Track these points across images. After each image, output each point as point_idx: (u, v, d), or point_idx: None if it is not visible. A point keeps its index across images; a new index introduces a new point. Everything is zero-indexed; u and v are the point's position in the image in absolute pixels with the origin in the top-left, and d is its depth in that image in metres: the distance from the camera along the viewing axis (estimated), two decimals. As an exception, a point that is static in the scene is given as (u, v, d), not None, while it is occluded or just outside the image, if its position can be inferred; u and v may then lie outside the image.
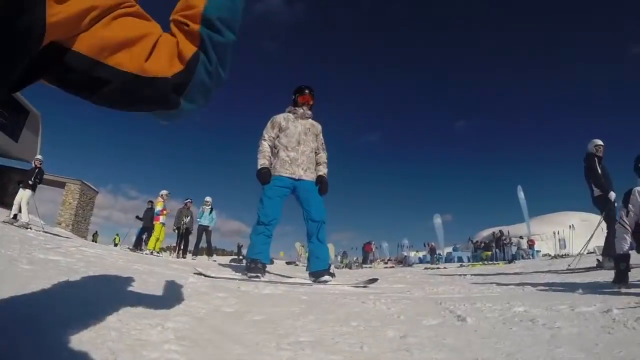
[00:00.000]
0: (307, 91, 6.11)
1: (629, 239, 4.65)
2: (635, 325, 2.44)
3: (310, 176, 5.85)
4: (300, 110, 6.00)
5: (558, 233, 30.78)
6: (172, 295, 2.90)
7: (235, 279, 4.85)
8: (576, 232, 31.53)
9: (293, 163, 5.76)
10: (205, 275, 4.85)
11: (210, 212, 16.72)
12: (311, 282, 5.38)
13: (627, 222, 4.64)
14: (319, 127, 6.18)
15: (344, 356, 1.87)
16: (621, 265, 4.71)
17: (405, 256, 34.86)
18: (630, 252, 4.76)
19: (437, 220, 35.81)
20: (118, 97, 0.95)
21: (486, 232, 40.08)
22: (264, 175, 5.68)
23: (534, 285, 5.22)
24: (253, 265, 5.48)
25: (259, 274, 5.31)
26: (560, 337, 2.23)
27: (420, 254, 37.56)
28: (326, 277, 5.40)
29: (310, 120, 6.09)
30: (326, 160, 6.05)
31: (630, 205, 4.60)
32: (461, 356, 1.90)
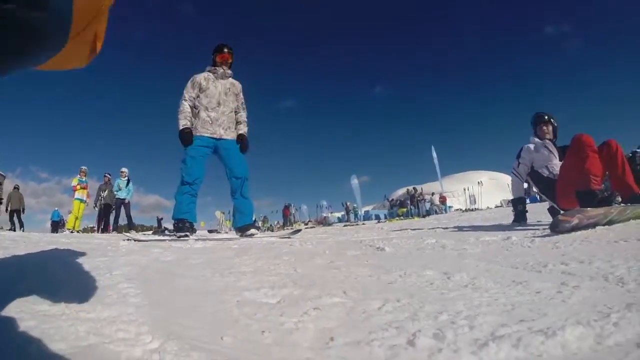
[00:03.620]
0: (225, 50, 6.01)
1: (522, 184, 5.55)
2: (529, 244, 2.88)
3: (231, 135, 5.87)
4: (220, 70, 5.92)
5: (468, 189, 32.55)
6: (109, 255, 2.90)
7: (165, 239, 4.87)
8: (485, 189, 33.66)
9: (214, 123, 5.73)
10: (135, 240, 4.84)
11: (127, 184, 15.62)
12: (238, 236, 5.51)
13: (519, 173, 5.44)
14: (239, 86, 6.11)
15: (281, 276, 2.08)
16: (519, 207, 5.56)
17: (325, 217, 35.50)
18: (525, 196, 5.68)
19: (354, 181, 36.57)
20: None
21: (401, 191, 41.61)
22: (186, 136, 5.63)
23: (445, 229, 5.67)
24: (181, 224, 5.46)
25: (188, 233, 5.34)
26: (466, 255, 2.61)
27: (339, 214, 38.39)
28: (252, 231, 5.56)
29: (230, 79, 6.02)
30: (246, 119, 6.06)
31: (520, 159, 5.37)
32: (381, 269, 2.18)
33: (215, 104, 5.78)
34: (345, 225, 18.84)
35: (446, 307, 1.30)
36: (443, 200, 32.70)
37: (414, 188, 33.33)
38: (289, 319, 1.29)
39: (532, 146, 5.30)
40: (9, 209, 18.65)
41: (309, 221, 36.08)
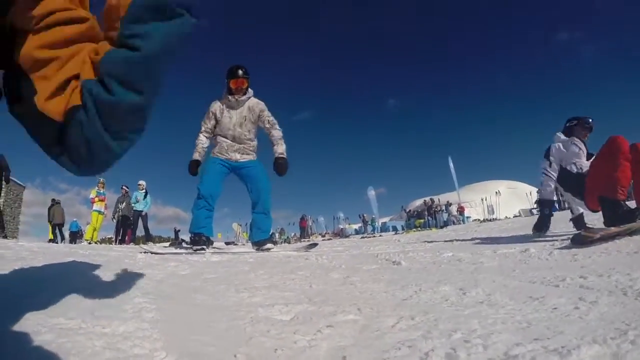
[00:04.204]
0: (240, 72, 5.62)
1: (553, 185, 5.02)
2: (548, 257, 2.85)
3: (247, 158, 5.79)
4: (232, 100, 5.63)
5: (486, 199, 32.26)
6: (125, 268, 2.90)
7: (182, 252, 4.89)
8: (502, 199, 33.36)
9: (229, 149, 5.71)
10: (152, 252, 4.86)
11: (145, 196, 15.70)
12: (254, 250, 5.49)
13: (551, 172, 4.97)
14: (259, 107, 5.73)
15: (296, 292, 2.10)
16: (545, 210, 5.11)
17: (342, 228, 35.37)
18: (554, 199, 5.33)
19: (371, 192, 36.42)
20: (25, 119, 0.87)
21: (418, 202, 41.44)
22: (191, 167, 5.76)
23: (462, 240, 5.63)
24: (197, 238, 5.44)
25: (204, 247, 5.32)
26: (482, 269, 2.59)
27: (356, 226, 38.24)
28: (269, 245, 5.52)
29: (247, 104, 5.70)
30: (281, 137, 5.70)
31: (551, 157, 4.96)
32: (396, 284, 2.18)
33: (231, 137, 5.72)
34: (362, 237, 18.75)
35: (460, 325, 1.29)
36: (461, 210, 32.40)
37: (430, 199, 33.18)
38: (303, 336, 1.29)
39: (560, 145, 4.99)
40: (52, 222, 18.93)
41: (325, 233, 35.98)
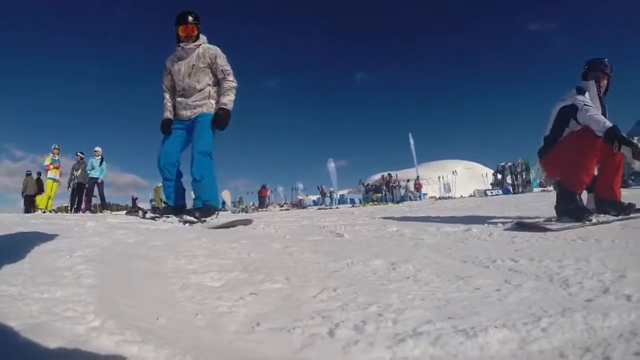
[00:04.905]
0: (190, 18, 5.09)
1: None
2: (487, 238, 2.90)
3: (198, 112, 5.11)
4: (180, 50, 5.12)
5: (443, 178, 32.89)
6: (74, 236, 2.87)
7: (133, 221, 4.78)
8: (459, 178, 34.06)
9: (180, 107, 5.18)
10: (145, 217, 4.94)
11: (101, 163, 15.15)
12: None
13: (591, 103, 3.88)
14: (210, 53, 5.08)
15: (233, 261, 2.10)
16: (624, 139, 3.59)
17: (300, 199, 35.51)
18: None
19: (331, 165, 36.55)
20: None
21: (377, 176, 41.79)
22: (162, 127, 5.29)
23: (414, 218, 5.66)
24: (159, 207, 5.42)
25: (158, 215, 5.05)
26: (421, 245, 2.62)
27: (314, 197, 38.43)
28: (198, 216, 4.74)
29: (196, 51, 5.09)
30: (231, 87, 5.01)
31: (587, 94, 3.96)
32: (332, 256, 2.19)
33: (181, 90, 5.19)
34: (319, 209, 18.91)
35: (379, 299, 1.30)
36: (419, 187, 32.92)
37: (389, 174, 33.58)
38: (225, 302, 1.31)
39: (587, 98, 3.94)
40: (25, 193, 18.27)
41: (284, 203, 36.05)
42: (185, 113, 5.13)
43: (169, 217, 4.82)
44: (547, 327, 1.02)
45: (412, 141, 33.69)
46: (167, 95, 5.38)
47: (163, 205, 5.53)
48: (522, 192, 25.43)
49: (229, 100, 4.96)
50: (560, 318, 1.08)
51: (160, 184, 28.52)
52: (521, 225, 3.35)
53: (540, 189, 27.13)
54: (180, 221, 4.49)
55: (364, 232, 3.40)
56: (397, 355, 0.90)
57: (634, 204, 3.84)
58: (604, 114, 3.99)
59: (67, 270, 1.63)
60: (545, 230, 3.21)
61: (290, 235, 3.27)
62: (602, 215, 3.78)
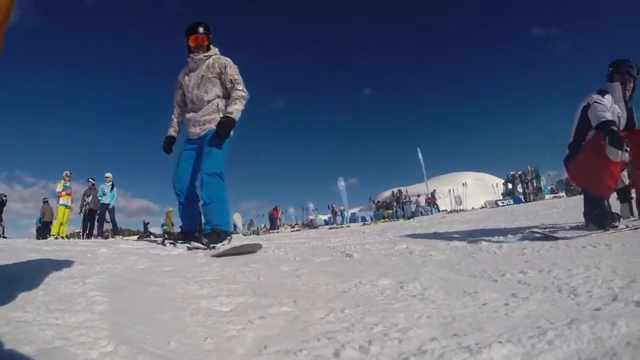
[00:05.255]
0: (200, 29, 4.91)
1: (609, 115, 3.75)
2: (496, 250, 2.89)
3: (208, 128, 4.73)
4: (191, 61, 4.90)
5: (453, 191, 32.78)
6: (87, 262, 2.91)
7: (145, 247, 4.79)
8: (470, 190, 33.96)
9: (190, 124, 4.85)
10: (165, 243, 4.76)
11: (112, 189, 15.42)
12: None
13: (605, 104, 3.83)
14: (220, 63, 4.78)
15: (242, 285, 2.12)
16: (612, 127, 3.59)
17: (311, 219, 35.45)
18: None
19: (341, 183, 36.56)
20: None
21: (387, 193, 41.74)
22: (164, 145, 5.14)
23: (424, 234, 5.64)
24: (179, 234, 4.93)
25: (172, 240, 4.82)
26: (430, 262, 2.62)
27: (325, 217, 38.38)
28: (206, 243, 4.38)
29: (206, 63, 4.83)
30: (239, 96, 4.63)
31: (606, 96, 3.93)
32: (341, 277, 2.20)
33: (190, 104, 4.91)
34: (330, 228, 18.90)
35: (385, 319, 1.32)
36: (430, 201, 32.83)
37: (399, 190, 33.58)
38: (234, 326, 1.34)
39: (611, 104, 3.92)
40: (43, 220, 18.47)
41: (295, 224, 35.99)
42: (195, 130, 4.78)
43: (178, 243, 4.62)
44: (552, 340, 1.02)
45: (420, 156, 33.66)
46: (175, 111, 5.19)
47: (179, 229, 5.08)
48: (534, 200, 25.25)
49: (235, 109, 4.53)
50: (566, 330, 1.09)
51: (171, 208, 28.58)
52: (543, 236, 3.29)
53: (552, 195, 26.97)
54: (189, 248, 4.22)
55: (373, 251, 3.42)
56: (402, 374, 0.91)
57: None
58: (630, 116, 4.02)
59: (80, 297, 1.67)
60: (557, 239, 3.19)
61: (299, 257, 3.29)
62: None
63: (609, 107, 3.84)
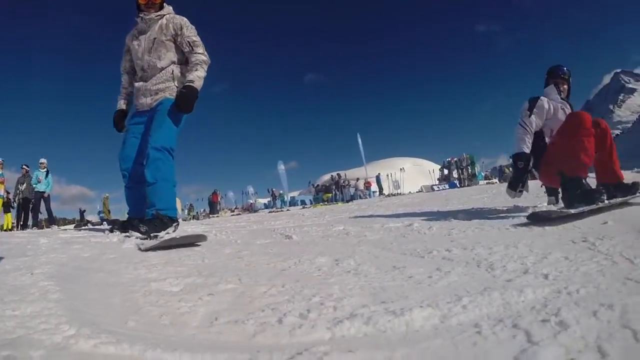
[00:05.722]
0: None
1: (528, 140, 4.30)
2: (426, 231, 3.10)
3: (160, 98, 4.07)
4: (140, 22, 4.19)
5: (391, 175, 33.57)
6: (29, 254, 2.85)
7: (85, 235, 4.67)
8: (407, 175, 34.87)
9: (141, 93, 4.13)
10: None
11: (46, 175, 14.61)
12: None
13: (529, 124, 4.32)
14: (174, 23, 4.11)
15: (188, 267, 2.21)
16: (519, 163, 4.28)
17: (251, 203, 35.31)
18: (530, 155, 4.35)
19: (281, 167, 36.54)
20: None
21: (326, 177, 42.17)
22: (114, 122, 4.40)
23: (361, 217, 5.85)
24: (128, 222, 4.13)
25: (117, 228, 4.19)
26: (364, 242, 2.80)
27: (265, 201, 38.34)
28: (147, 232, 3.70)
29: (158, 23, 4.14)
30: (200, 60, 3.98)
31: (535, 110, 4.34)
32: (282, 256, 2.33)
33: (140, 71, 4.20)
34: (270, 212, 18.97)
35: (322, 291, 1.46)
36: (368, 185, 33.46)
37: (337, 174, 34.09)
38: (185, 304, 1.43)
39: (550, 104, 4.37)
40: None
41: (235, 208, 35.78)
42: (145, 101, 4.09)
43: (117, 231, 4.02)
44: (467, 304, 1.18)
45: (360, 141, 34.18)
46: (124, 80, 4.47)
47: (127, 216, 4.47)
48: (468, 185, 26.24)
49: (197, 76, 3.90)
50: (479, 297, 1.25)
51: (108, 195, 27.73)
52: (536, 217, 3.19)
53: (485, 181, 28.11)
54: (126, 236, 3.61)
55: (311, 233, 3.56)
56: (336, 335, 1.05)
57: (639, 182, 3.92)
58: (572, 109, 4.36)
59: (32, 287, 1.68)
60: (565, 218, 3.16)
61: (241, 240, 3.40)
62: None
63: (533, 126, 4.26)
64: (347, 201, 23.76)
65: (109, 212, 25.27)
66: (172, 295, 1.57)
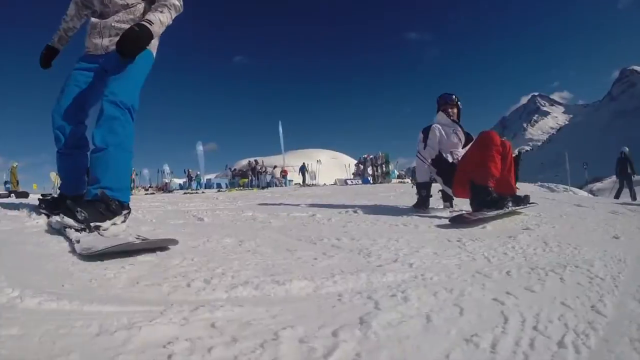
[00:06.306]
0: None
1: (426, 167, 5.08)
2: (326, 222, 3.50)
3: None
4: None
5: (309, 166, 34.12)
6: None
7: None
8: (324, 167, 35.58)
9: (96, 32, 3.16)
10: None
11: None
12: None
13: (425, 157, 5.07)
14: None
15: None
16: (423, 192, 5.12)
17: (167, 183, 34.59)
18: (431, 181, 5.23)
19: (200, 147, 36.12)
20: None
21: (244, 161, 42.10)
22: (40, 58, 3.49)
23: (271, 204, 6.15)
24: (49, 198, 3.45)
25: (46, 210, 3.21)
26: (268, 227, 3.14)
27: (180, 181, 37.70)
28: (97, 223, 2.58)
29: None
30: (169, 3, 3.08)
31: (428, 141, 5.05)
32: (193, 236, 2.59)
33: (99, 2, 3.17)
34: (184, 193, 18.77)
35: (224, 265, 1.77)
36: (285, 173, 33.80)
37: (255, 160, 34.16)
38: (111, 271, 1.64)
39: (440, 129, 5.07)
40: None
41: (149, 187, 34.90)
42: (101, 42, 3.13)
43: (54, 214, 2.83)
44: (337, 280, 1.54)
45: (281, 129, 34.45)
46: (70, 10, 3.44)
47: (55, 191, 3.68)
48: (381, 182, 27.25)
49: (158, 18, 2.99)
50: (349, 275, 1.61)
51: (16, 163, 25.91)
52: (458, 220, 3.59)
53: (397, 180, 29.25)
54: (56, 224, 2.60)
55: (222, 217, 3.83)
56: (231, 296, 1.37)
57: (529, 196, 4.56)
58: (466, 133, 5.06)
59: None
60: (482, 220, 3.60)
61: (156, 220, 3.59)
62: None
63: (428, 156, 4.99)
64: (263, 188, 24.01)
65: (17, 182, 23.76)
66: (98, 264, 1.76)
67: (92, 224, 2.36)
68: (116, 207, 2.55)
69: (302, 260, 1.91)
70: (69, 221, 2.39)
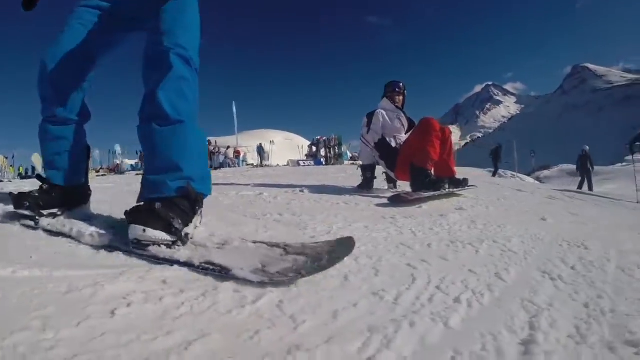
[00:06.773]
0: None
1: (369, 151, 5.38)
2: (271, 200, 3.71)
3: None
4: None
5: (262, 146, 34.08)
6: None
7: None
8: (278, 147, 35.63)
9: None
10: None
11: None
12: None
13: (368, 140, 5.35)
14: None
15: None
16: (368, 174, 5.41)
17: (118, 164, 33.71)
18: (375, 164, 5.49)
19: (151, 127, 35.21)
20: None
21: (197, 141, 41.55)
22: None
23: (223, 184, 6.31)
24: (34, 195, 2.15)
25: (31, 210, 2.05)
26: (218, 205, 3.38)
27: (133, 162, 36.87)
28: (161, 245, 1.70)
29: None
30: None
31: (372, 126, 5.30)
32: None
33: None
34: (137, 174, 18.40)
35: None
36: (238, 154, 33.58)
37: (208, 140, 33.70)
38: (72, 245, 1.75)
39: (384, 114, 5.31)
40: None
41: (100, 168, 33.94)
42: None
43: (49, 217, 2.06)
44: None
45: (235, 109, 34.20)
46: None
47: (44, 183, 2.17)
48: (334, 164, 27.51)
49: None
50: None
51: (40, 154, 24.06)
52: (396, 199, 3.84)
53: (350, 162, 29.61)
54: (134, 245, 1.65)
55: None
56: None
57: (467, 179, 4.86)
58: (409, 119, 5.35)
59: None
60: (419, 200, 3.90)
61: (111, 199, 3.70)
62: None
63: (371, 139, 5.26)
64: (216, 168, 23.86)
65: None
66: (59, 239, 1.85)
67: (183, 233, 1.66)
68: (199, 204, 1.81)
69: (245, 232, 2.14)
70: (160, 235, 1.61)
